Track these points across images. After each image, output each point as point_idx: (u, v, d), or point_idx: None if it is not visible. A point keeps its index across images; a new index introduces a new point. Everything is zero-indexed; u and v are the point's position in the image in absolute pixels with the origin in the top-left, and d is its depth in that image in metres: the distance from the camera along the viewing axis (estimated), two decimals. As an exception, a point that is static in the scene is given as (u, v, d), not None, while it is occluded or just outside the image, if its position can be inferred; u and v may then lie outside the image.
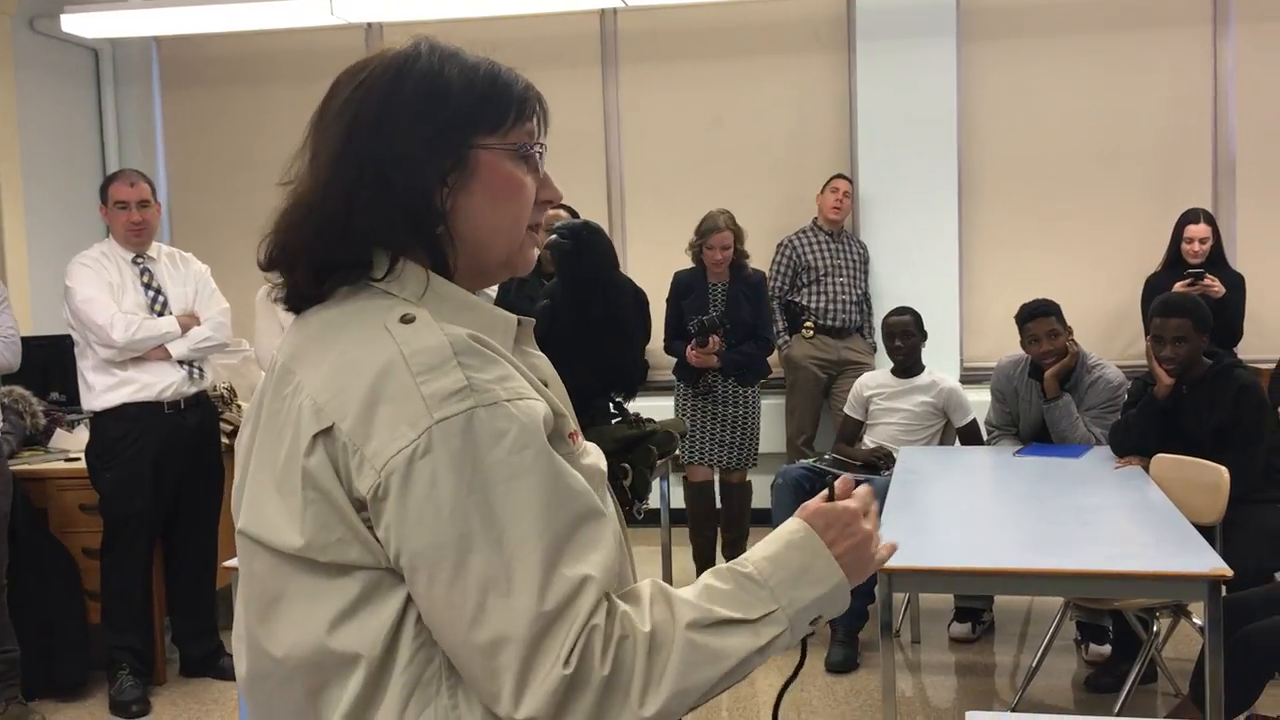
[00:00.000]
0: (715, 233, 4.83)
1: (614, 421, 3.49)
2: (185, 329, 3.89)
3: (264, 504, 1.06)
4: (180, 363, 3.89)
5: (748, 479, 5.08)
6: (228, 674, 4.11)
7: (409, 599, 1.01)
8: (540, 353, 1.18)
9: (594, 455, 1.12)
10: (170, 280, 3.96)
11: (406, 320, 1.03)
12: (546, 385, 1.11)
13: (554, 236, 2.97)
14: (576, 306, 2.77)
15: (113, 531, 3.89)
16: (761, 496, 5.14)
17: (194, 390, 3.94)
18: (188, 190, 6.77)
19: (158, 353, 3.84)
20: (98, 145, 6.63)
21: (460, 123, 1.08)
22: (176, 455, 3.92)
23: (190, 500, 4.04)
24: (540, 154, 1.14)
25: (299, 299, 1.12)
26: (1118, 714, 3.45)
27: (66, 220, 6.16)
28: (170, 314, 3.90)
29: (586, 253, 2.99)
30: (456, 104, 1.08)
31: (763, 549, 1.11)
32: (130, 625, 3.92)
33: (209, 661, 4.16)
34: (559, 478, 1.00)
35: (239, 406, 4.66)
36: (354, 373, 1.01)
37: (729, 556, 4.26)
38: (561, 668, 0.95)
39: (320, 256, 1.08)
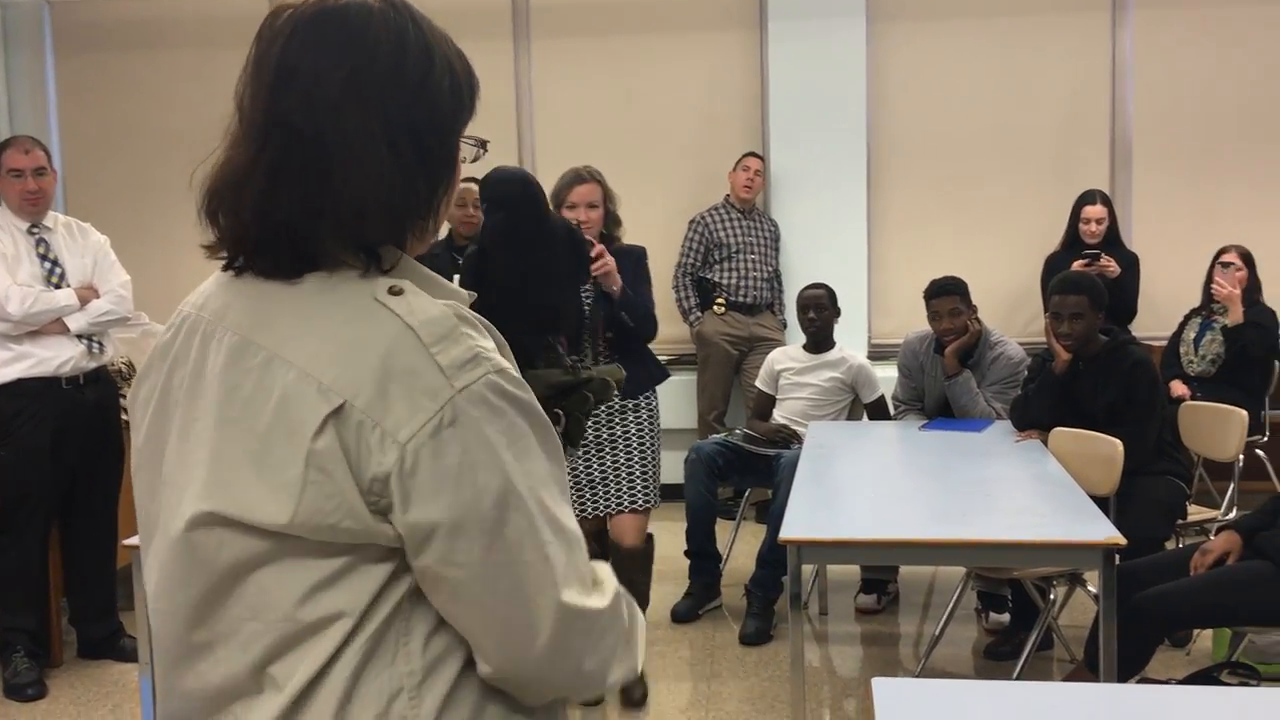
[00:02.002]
0: (578, 184, 3.62)
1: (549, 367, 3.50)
2: (84, 302, 3.78)
3: (236, 481, 1.02)
4: (79, 337, 3.77)
5: (648, 534, 3.78)
6: (127, 655, 4.02)
7: (393, 572, 1.02)
8: (487, 321, 1.18)
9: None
10: (68, 251, 3.84)
11: (395, 292, 1.02)
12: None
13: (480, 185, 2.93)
14: (509, 251, 2.76)
15: (8, 511, 3.76)
16: (674, 472, 5.18)
17: (93, 365, 3.83)
18: (83, 158, 6.54)
19: (55, 326, 3.72)
20: (-13, 110, 6.39)
21: (465, 116, 1.12)
22: (75, 432, 3.81)
23: (88, 478, 3.93)
24: (486, 149, 1.19)
25: (279, 267, 1.06)
26: (1016, 680, 3.56)
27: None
28: (68, 286, 3.78)
29: (508, 198, 3.01)
30: (466, 96, 1.11)
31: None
32: (26, 606, 3.81)
33: (108, 643, 4.06)
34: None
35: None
36: (360, 348, 0.99)
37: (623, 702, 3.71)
38: (598, 599, 1.06)
39: (316, 245, 1.04)
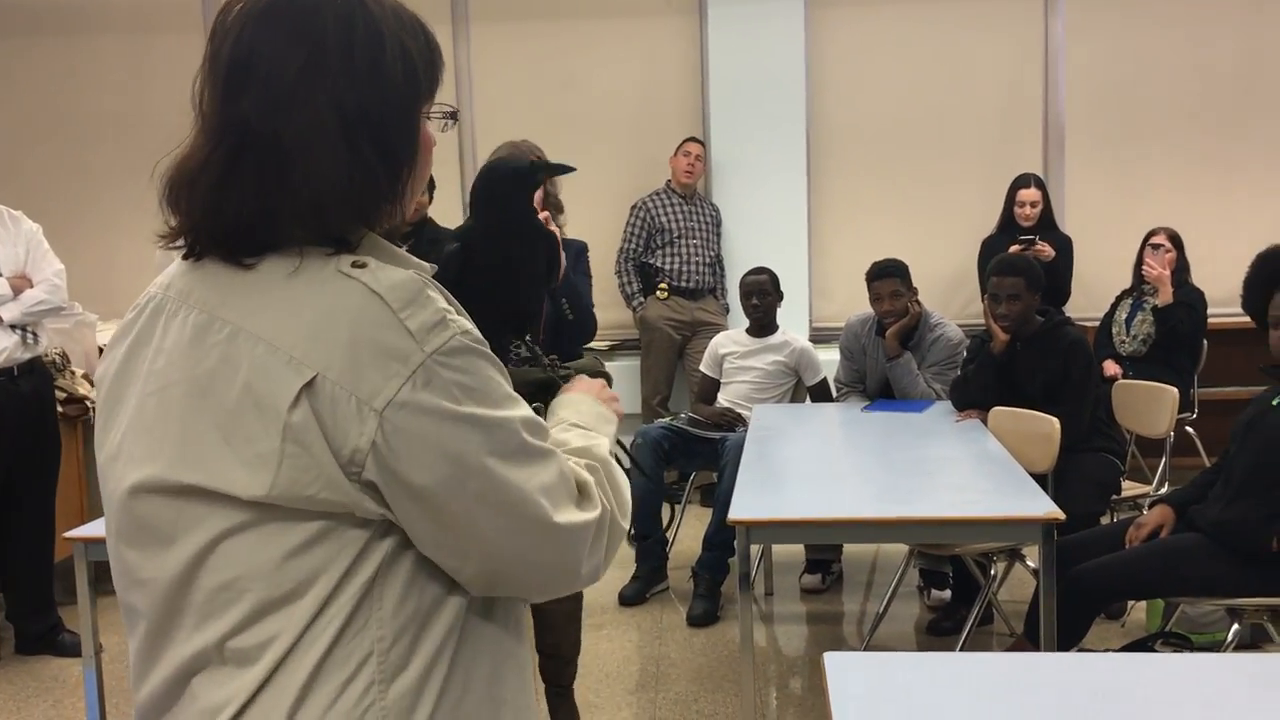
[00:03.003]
0: None
1: (526, 365, 3.40)
2: (17, 291, 3.70)
3: (207, 454, 1.02)
4: (12, 328, 3.70)
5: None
6: (66, 650, 3.96)
7: (369, 539, 1.03)
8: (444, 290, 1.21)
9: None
10: (-1, 240, 3.76)
11: (359, 265, 1.03)
12: None
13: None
14: (495, 251, 2.64)
15: (-59, 505, 3.69)
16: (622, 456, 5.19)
17: (27, 356, 3.76)
18: (12, 145, 6.38)
19: (-13, 317, 3.66)
20: (-91, 99, 6.21)
21: (423, 94, 1.10)
22: (10, 425, 3.73)
23: (24, 471, 3.86)
24: (456, 119, 1.18)
25: (237, 252, 1.06)
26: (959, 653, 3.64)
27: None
28: (1, 276, 3.69)
29: (493, 194, 2.83)
30: (422, 74, 1.10)
31: (570, 411, 1.32)
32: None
33: (46, 638, 4.00)
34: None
35: (72, 373, 4.46)
36: (328, 319, 1.00)
37: (551, 682, 3.20)
38: (589, 510, 1.12)
39: (278, 228, 1.04)
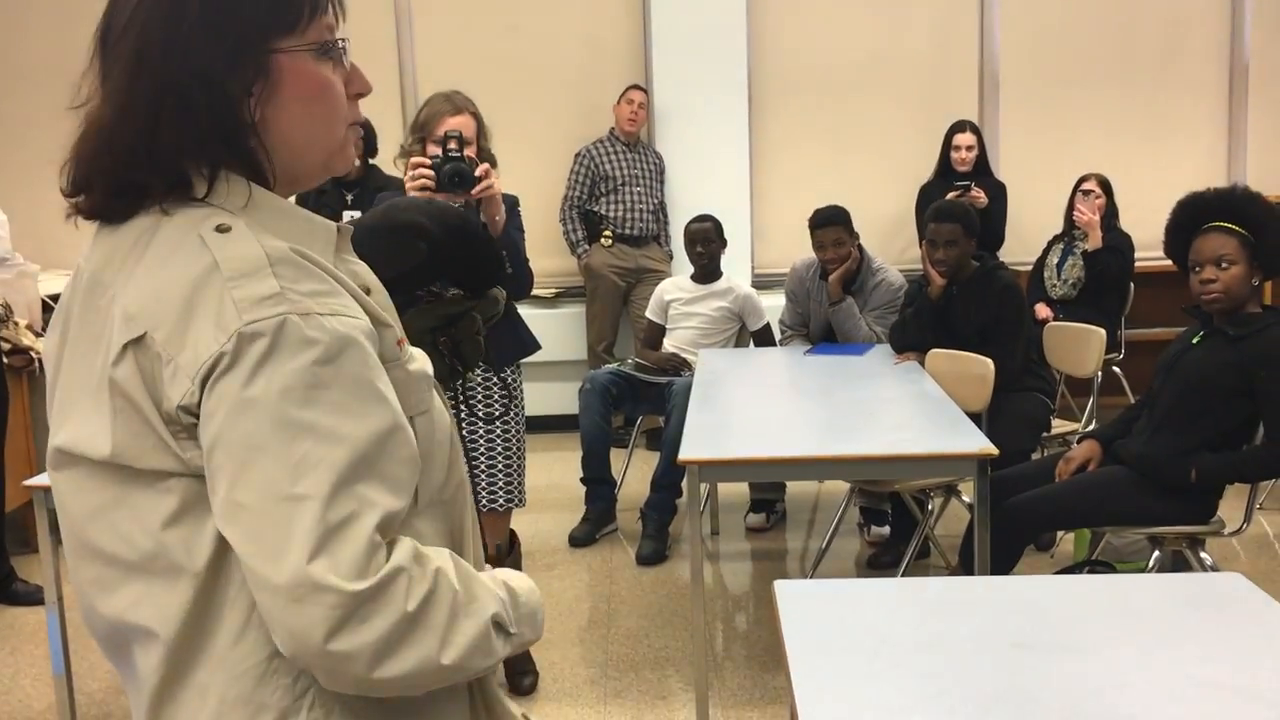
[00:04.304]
0: (449, 115, 3.05)
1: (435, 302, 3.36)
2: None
3: (76, 415, 1.05)
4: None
5: (514, 543, 3.35)
6: (20, 599, 3.99)
7: None
8: (360, 260, 1.17)
9: (420, 360, 1.15)
10: (-60, 190, 3.72)
11: (222, 229, 1.02)
12: (369, 292, 1.11)
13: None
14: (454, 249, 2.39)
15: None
16: (569, 403, 5.28)
17: (-27, 307, 3.74)
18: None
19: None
20: None
21: (256, 29, 1.05)
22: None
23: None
24: (344, 48, 1.12)
25: (107, 215, 1.08)
26: (897, 586, 3.79)
27: None
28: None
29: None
30: (250, 10, 1.05)
31: (519, 580, 1.17)
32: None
33: (1, 587, 4.01)
34: (364, 394, 1.00)
35: (15, 324, 4.42)
36: (168, 281, 1.00)
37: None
38: (347, 579, 0.95)
39: (128, 181, 1.05)
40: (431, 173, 2.86)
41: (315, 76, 1.09)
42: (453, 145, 2.88)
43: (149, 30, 1.03)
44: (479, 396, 3.14)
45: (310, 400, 0.97)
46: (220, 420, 0.96)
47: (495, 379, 3.14)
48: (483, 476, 3.14)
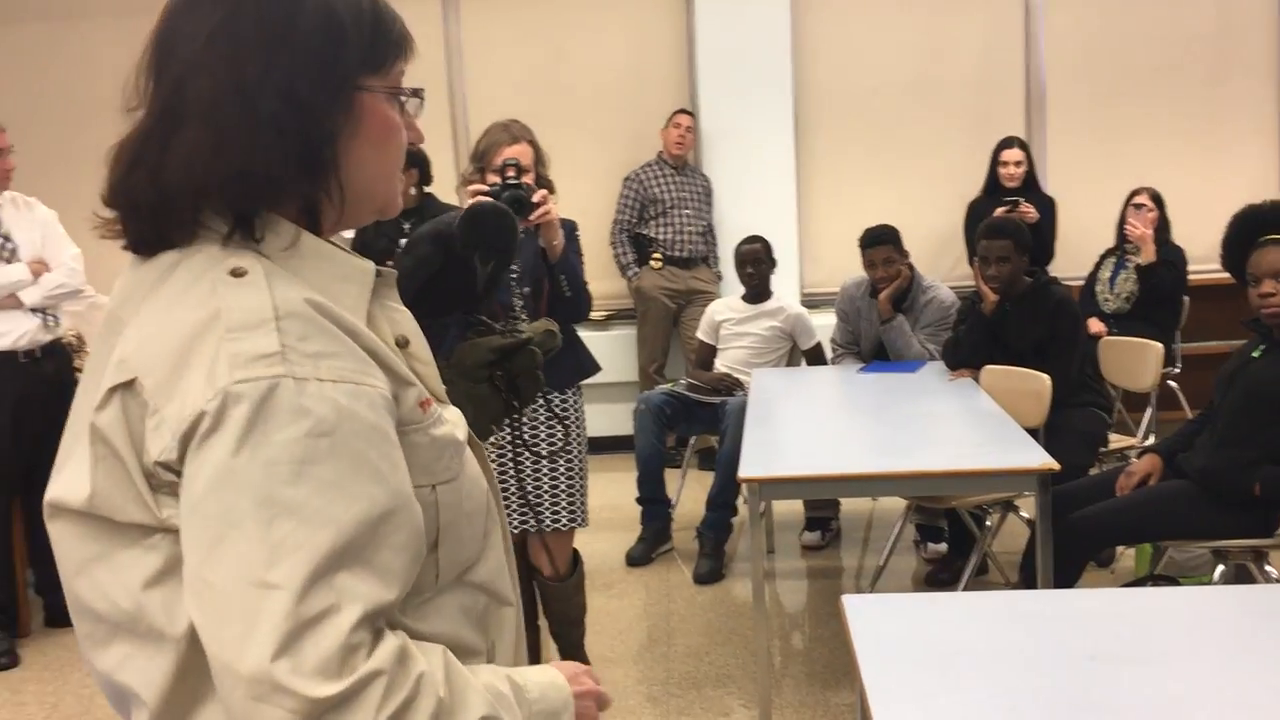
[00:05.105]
0: (507, 144, 3.10)
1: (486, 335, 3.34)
2: (37, 276, 3.80)
3: (68, 465, 0.99)
4: (34, 311, 3.79)
5: (577, 562, 3.30)
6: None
7: None
8: (403, 307, 1.10)
9: (450, 423, 1.06)
10: (17, 226, 3.85)
11: (237, 274, 0.95)
12: (408, 342, 1.07)
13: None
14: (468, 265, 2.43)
15: (-31, 485, 3.79)
16: (620, 423, 5.33)
17: (49, 338, 3.86)
18: (18, 132, 6.42)
19: (9, 301, 3.75)
20: (-90, 86, 6.25)
21: (354, 64, 1.02)
22: (34, 405, 3.83)
23: (50, 450, 3.89)
24: (422, 97, 1.10)
25: (146, 245, 1.02)
26: (956, 602, 3.79)
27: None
28: (20, 261, 3.79)
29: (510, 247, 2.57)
30: (352, 43, 1.01)
31: (538, 675, 1.08)
32: (-7, 580, 3.85)
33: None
34: (360, 472, 0.91)
35: (87, 354, 4.55)
36: (168, 325, 0.94)
37: (564, 641, 3.30)
38: (312, 683, 0.86)
39: (176, 211, 0.98)
40: (490, 200, 2.93)
41: (389, 119, 1.06)
42: (511, 173, 2.93)
43: (246, 50, 0.98)
44: (541, 422, 3.16)
45: (298, 477, 0.88)
46: (199, 488, 0.89)
47: (555, 398, 3.15)
48: (545, 496, 3.16)
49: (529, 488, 3.13)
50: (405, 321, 1.09)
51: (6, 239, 3.82)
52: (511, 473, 2.90)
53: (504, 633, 1.13)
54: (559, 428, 3.15)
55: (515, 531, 3.00)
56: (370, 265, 1.05)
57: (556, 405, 3.16)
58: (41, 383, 3.85)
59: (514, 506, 3.04)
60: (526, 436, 3.08)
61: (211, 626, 0.88)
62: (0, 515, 3.87)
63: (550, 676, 1.08)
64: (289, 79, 0.98)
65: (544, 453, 3.12)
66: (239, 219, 0.98)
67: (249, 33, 0.98)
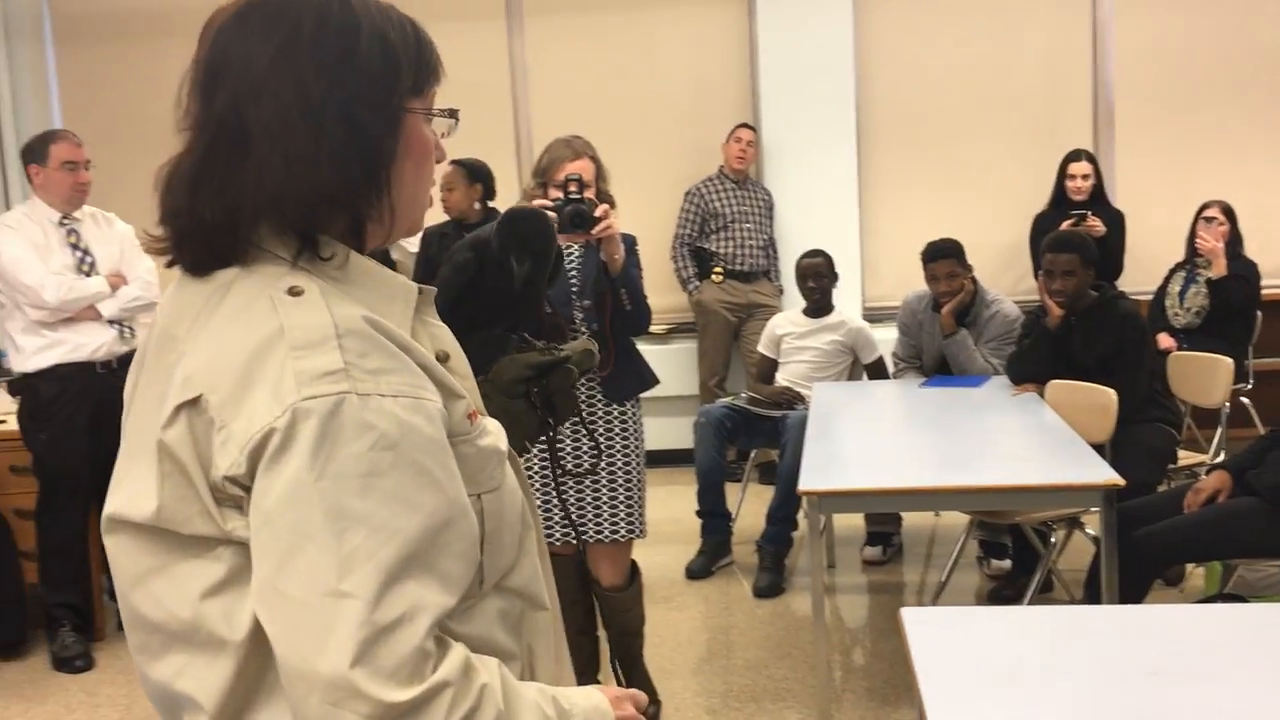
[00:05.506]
0: (569, 160, 3.10)
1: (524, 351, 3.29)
2: (114, 288, 3.91)
3: (128, 480, 1.01)
4: (110, 322, 3.90)
5: (635, 573, 3.28)
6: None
7: None
8: (441, 323, 1.13)
9: (493, 434, 1.10)
10: (96, 240, 3.97)
11: (294, 292, 0.98)
12: (448, 357, 1.09)
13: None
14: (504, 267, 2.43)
15: (48, 491, 3.90)
16: (680, 437, 5.35)
17: (125, 350, 3.96)
18: (90, 150, 6.61)
19: (88, 313, 3.86)
20: (-10, 104, 6.47)
21: (404, 87, 1.05)
22: (110, 414, 3.88)
23: (125, 458, 4.06)
24: (457, 118, 1.13)
25: (202, 264, 1.04)
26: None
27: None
28: (99, 274, 3.91)
29: (547, 248, 2.50)
30: (404, 67, 1.05)
31: (582, 698, 1.09)
32: (69, 583, 3.96)
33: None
34: (422, 482, 0.95)
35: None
36: (231, 343, 0.96)
37: (623, 654, 3.28)
38: (388, 689, 0.90)
39: (233, 231, 1.01)
40: (553, 215, 2.96)
41: (428, 139, 1.10)
42: (573, 188, 2.98)
43: (310, 72, 1.00)
44: (600, 430, 3.17)
45: (366, 489, 0.92)
46: (272, 502, 0.92)
47: (615, 410, 3.16)
48: (605, 508, 3.15)
49: (587, 497, 3.12)
50: (445, 337, 1.12)
51: (86, 253, 3.94)
52: (553, 487, 2.76)
53: (540, 637, 1.15)
54: (617, 435, 3.13)
55: (557, 543, 3.02)
56: (413, 284, 1.09)
57: (596, 424, 3.14)
58: (117, 393, 3.89)
59: (556, 520, 3.04)
60: (567, 458, 3.09)
61: (287, 635, 0.91)
62: (77, 522, 3.97)
63: (595, 700, 1.10)
64: (351, 103, 1.01)
65: (580, 469, 3.11)
66: (304, 239, 1.01)
67: (311, 58, 1.01)
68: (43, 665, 3.95)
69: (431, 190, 1.16)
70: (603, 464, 3.14)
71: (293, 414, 0.91)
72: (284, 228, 1.01)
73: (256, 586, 0.93)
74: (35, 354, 3.81)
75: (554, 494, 2.92)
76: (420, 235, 4.07)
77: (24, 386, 3.90)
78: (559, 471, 2.93)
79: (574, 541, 3.05)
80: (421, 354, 1.01)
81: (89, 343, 3.86)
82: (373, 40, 1.03)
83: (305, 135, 0.99)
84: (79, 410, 3.84)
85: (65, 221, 3.94)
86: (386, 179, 1.04)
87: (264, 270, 1.01)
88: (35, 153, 3.92)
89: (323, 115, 1.00)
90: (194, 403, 0.95)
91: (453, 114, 1.12)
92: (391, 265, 1.21)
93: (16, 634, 4.03)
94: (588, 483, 3.13)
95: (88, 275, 3.90)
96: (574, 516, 3.09)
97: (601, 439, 3.16)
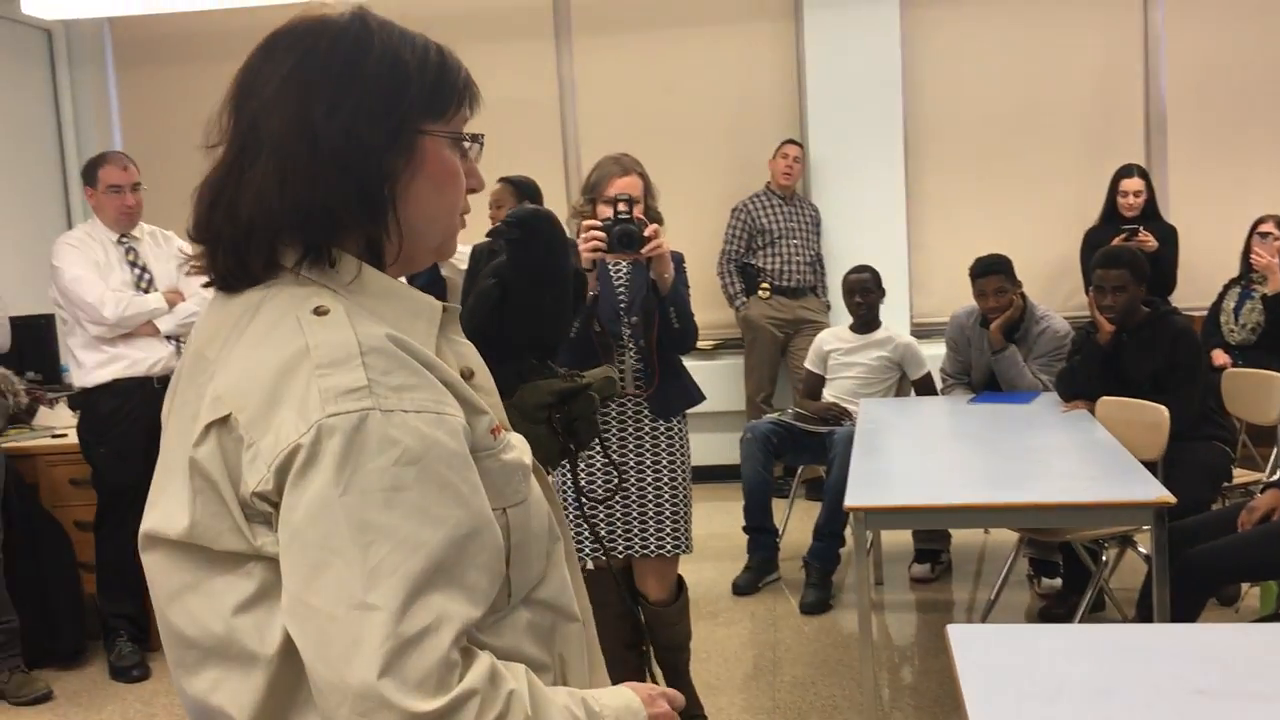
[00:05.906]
0: (618, 176, 3.09)
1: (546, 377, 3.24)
2: (172, 305, 3.99)
3: (163, 498, 1.04)
4: (168, 338, 3.99)
5: (681, 588, 3.27)
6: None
7: None
8: (466, 340, 1.16)
9: (517, 449, 1.12)
10: (154, 258, 4.06)
11: (320, 312, 1.00)
12: (472, 374, 1.11)
13: (501, 224, 2.55)
14: (527, 292, 2.39)
15: (106, 504, 3.99)
16: (727, 452, 5.34)
17: (181, 364, 4.05)
18: (148, 169, 6.68)
19: (146, 329, 3.95)
20: (54, 126, 6.63)
21: (415, 108, 1.07)
22: (167, 428, 4.01)
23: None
24: (481, 144, 1.15)
25: (231, 280, 1.07)
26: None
27: (23, 202, 6.18)
28: (156, 291, 3.99)
29: (535, 240, 2.55)
30: (415, 89, 1.07)
31: (612, 699, 1.11)
32: (125, 594, 4.02)
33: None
34: (446, 496, 0.97)
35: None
36: (259, 362, 0.99)
37: (669, 668, 3.26)
38: (416, 699, 0.91)
39: (258, 244, 1.03)
40: (603, 234, 2.98)
41: (449, 163, 1.11)
42: (622, 207, 2.99)
43: (314, 93, 1.03)
44: (646, 446, 3.17)
45: (391, 503, 0.94)
46: (299, 517, 0.94)
47: (661, 426, 3.16)
48: (651, 523, 3.14)
49: (633, 511, 3.12)
50: (469, 354, 1.14)
51: (144, 270, 4.02)
52: (577, 510, 2.81)
53: (571, 648, 1.16)
54: (614, 473, 3.11)
55: (589, 564, 3.00)
56: (437, 302, 1.11)
57: (614, 452, 3.13)
58: (174, 407, 4.03)
59: (586, 539, 3.03)
60: (597, 480, 3.11)
61: (316, 647, 0.93)
62: (134, 533, 4.02)
63: (625, 700, 1.11)
64: (352, 119, 1.03)
65: (596, 496, 3.09)
66: (308, 248, 1.03)
67: (319, 75, 1.04)
68: (100, 675, 4.03)
69: (468, 214, 1.17)
70: (624, 485, 3.11)
71: (318, 430, 0.93)
72: (295, 243, 1.03)
73: (286, 601, 0.95)
74: (95, 369, 3.90)
75: (581, 517, 2.90)
76: (470, 250, 4.11)
77: (84, 401, 3.99)
78: (586, 497, 3.03)
79: (604, 559, 3.02)
80: (445, 370, 1.04)
81: (147, 358, 3.94)
82: (383, 58, 1.05)
83: (302, 149, 1.02)
84: (136, 424, 3.92)
85: (124, 240, 4.04)
86: (391, 195, 1.05)
87: (291, 291, 1.03)
88: (87, 176, 4.05)
89: (322, 129, 1.02)
90: (223, 421, 0.98)
91: (476, 139, 1.14)
92: (443, 282, 1.25)
93: (75, 644, 4.11)
94: (634, 498, 3.12)
95: (145, 292, 3.99)
96: (603, 533, 3.09)
97: (648, 455, 3.15)
